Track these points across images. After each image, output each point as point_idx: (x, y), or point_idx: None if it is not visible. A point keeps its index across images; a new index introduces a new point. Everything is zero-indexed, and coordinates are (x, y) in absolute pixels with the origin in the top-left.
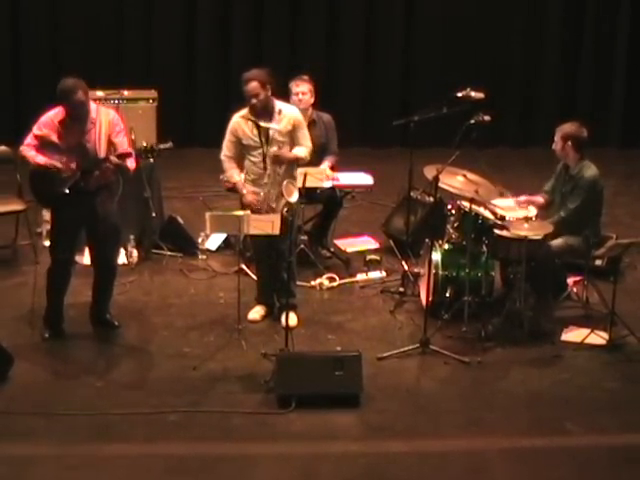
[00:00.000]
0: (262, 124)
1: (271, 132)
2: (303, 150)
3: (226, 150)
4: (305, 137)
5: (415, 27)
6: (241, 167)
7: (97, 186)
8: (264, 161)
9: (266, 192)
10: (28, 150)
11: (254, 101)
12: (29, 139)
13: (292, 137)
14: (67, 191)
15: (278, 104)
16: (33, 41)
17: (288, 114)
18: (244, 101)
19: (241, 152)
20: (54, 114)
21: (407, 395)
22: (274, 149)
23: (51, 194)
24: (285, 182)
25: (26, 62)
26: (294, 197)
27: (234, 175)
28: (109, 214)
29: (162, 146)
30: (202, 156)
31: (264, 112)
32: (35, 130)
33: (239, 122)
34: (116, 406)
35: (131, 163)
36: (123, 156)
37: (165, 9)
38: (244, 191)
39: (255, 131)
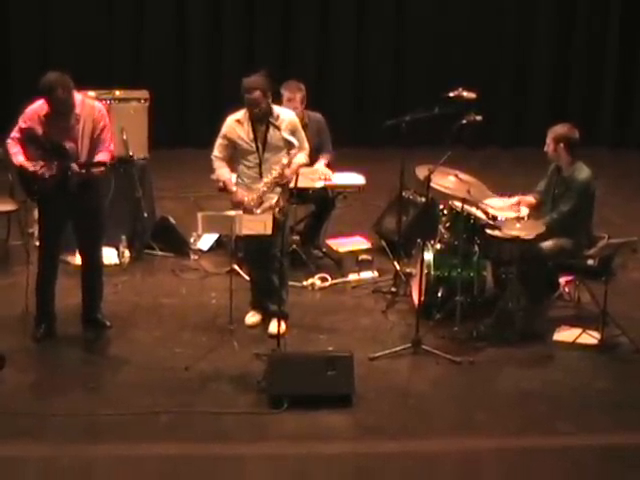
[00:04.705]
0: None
1: (269, 137)
2: (302, 156)
3: (217, 151)
4: (303, 140)
5: (407, 27)
6: (231, 168)
7: (80, 184)
8: (260, 166)
9: (259, 195)
10: (12, 146)
11: (256, 110)
12: (15, 132)
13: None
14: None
15: (275, 109)
16: (24, 41)
17: (286, 118)
18: (235, 102)
19: (232, 155)
20: (39, 107)
21: (399, 395)
22: (268, 155)
23: (35, 189)
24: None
25: (17, 63)
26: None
27: (224, 173)
28: (93, 210)
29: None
30: (194, 156)
31: (264, 119)
32: (20, 122)
33: (234, 126)
34: (107, 407)
35: (104, 156)
36: (90, 166)
37: (156, 9)
38: (233, 188)
39: (251, 135)
